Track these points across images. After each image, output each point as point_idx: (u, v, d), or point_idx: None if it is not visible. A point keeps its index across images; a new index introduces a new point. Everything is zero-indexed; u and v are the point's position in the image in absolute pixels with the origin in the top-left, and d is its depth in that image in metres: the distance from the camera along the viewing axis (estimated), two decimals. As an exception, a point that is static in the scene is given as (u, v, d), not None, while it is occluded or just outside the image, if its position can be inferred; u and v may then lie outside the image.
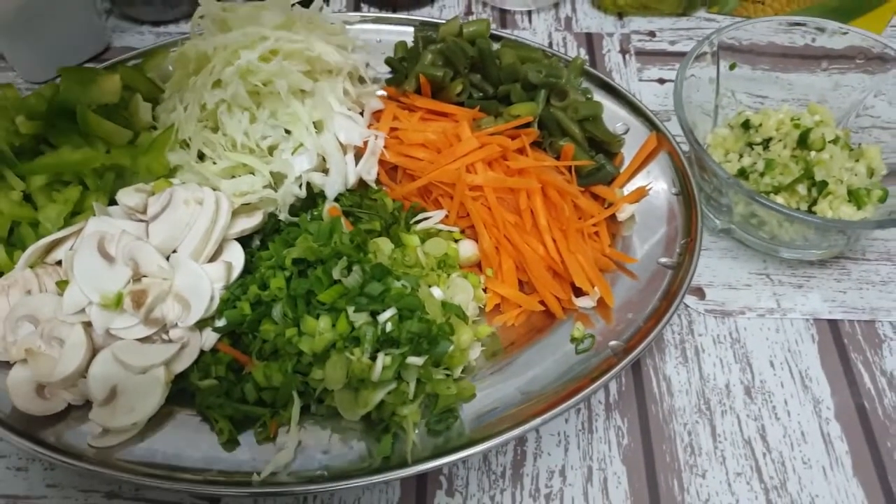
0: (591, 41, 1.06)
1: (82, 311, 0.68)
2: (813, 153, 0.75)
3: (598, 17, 1.09)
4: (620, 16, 1.09)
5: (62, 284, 0.70)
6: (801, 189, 0.76)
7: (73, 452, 0.64)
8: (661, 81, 1.00)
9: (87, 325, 0.68)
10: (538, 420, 0.64)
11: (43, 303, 0.70)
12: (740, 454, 0.69)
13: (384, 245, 0.73)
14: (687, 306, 0.79)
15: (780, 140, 0.79)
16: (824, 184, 0.74)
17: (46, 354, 0.67)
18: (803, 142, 0.76)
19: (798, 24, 0.83)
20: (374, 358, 0.64)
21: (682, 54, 1.04)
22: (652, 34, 1.07)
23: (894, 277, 0.81)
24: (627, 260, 0.76)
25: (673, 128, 0.83)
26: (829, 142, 0.76)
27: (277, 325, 0.67)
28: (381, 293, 0.66)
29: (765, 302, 0.79)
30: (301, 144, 0.78)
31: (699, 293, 0.80)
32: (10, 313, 0.69)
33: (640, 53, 1.04)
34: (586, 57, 1.04)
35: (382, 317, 0.65)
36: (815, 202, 0.75)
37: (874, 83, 0.83)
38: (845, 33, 0.83)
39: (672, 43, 1.06)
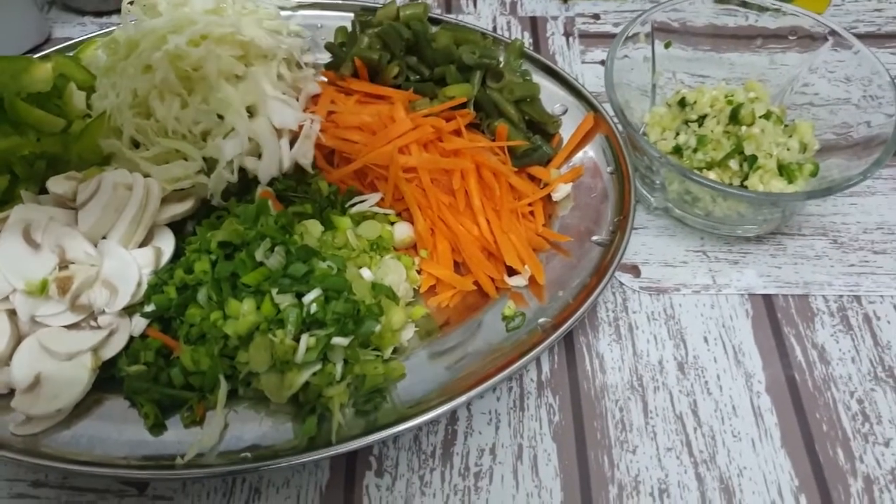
0: (535, 25, 1.06)
1: (6, 298, 0.68)
2: (744, 128, 0.75)
3: (542, 1, 1.09)
4: (566, -1, 1.10)
5: (-15, 272, 0.69)
6: (734, 164, 0.76)
7: (-3, 442, 0.63)
8: (604, 63, 1.00)
9: (12, 313, 0.68)
10: (463, 397, 0.64)
11: (-34, 291, 0.69)
12: (671, 429, 0.69)
13: (313, 227, 0.73)
14: (622, 284, 0.79)
15: (714, 116, 0.79)
16: (754, 158, 0.74)
17: (-32, 343, 0.66)
18: (734, 117, 0.76)
19: (732, 1, 0.83)
20: (298, 339, 0.64)
21: (625, 36, 1.04)
22: (596, 17, 1.07)
23: (828, 252, 0.81)
24: (560, 238, 0.76)
25: (611, 109, 0.83)
26: (761, 117, 0.76)
27: (203, 308, 0.67)
28: (306, 274, 0.65)
29: (700, 278, 0.79)
30: (232, 129, 0.78)
31: (634, 271, 0.80)
32: (-68, 302, 0.68)
33: (584, 36, 1.04)
34: (530, 40, 1.03)
35: (307, 298, 0.64)
36: (746, 177, 0.75)
37: (807, 60, 0.84)
38: (777, 10, 0.83)
39: (616, 25, 1.06)
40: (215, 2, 0.80)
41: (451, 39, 0.84)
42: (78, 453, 0.63)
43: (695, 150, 0.78)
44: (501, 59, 0.86)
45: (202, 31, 0.77)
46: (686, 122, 0.82)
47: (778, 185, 0.74)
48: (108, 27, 1.05)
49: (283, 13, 0.92)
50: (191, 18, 0.77)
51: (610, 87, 0.77)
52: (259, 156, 0.80)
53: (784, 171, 0.75)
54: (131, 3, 0.79)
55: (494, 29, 1.05)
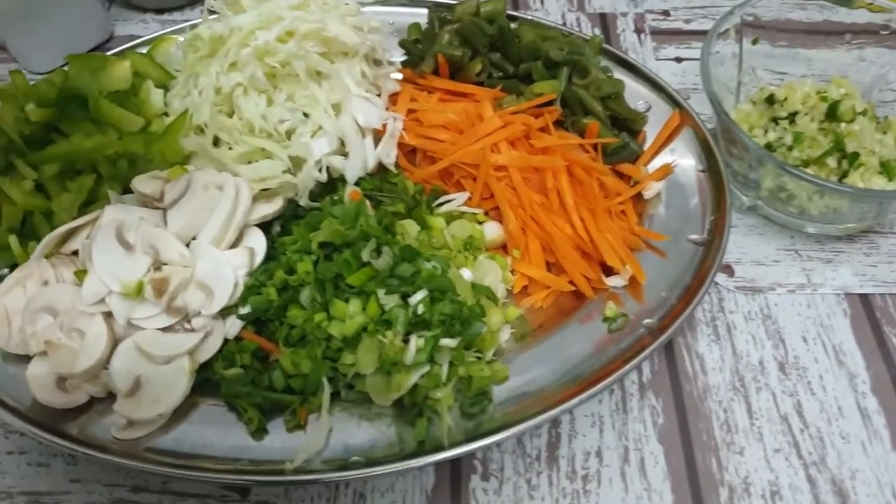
0: (605, 21, 1.05)
1: (102, 301, 0.66)
2: (843, 125, 0.74)
3: (610, -3, 1.08)
4: (634, -5, 1.08)
5: (80, 274, 0.68)
6: (831, 162, 0.75)
7: (98, 445, 0.62)
8: (679, 60, 0.99)
9: (108, 316, 0.67)
10: (574, 401, 0.63)
11: (61, 293, 0.68)
12: (777, 430, 0.68)
13: (410, 227, 0.71)
14: (716, 283, 0.78)
15: (806, 113, 0.78)
16: (856, 155, 0.73)
17: (67, 346, 0.65)
18: (832, 114, 0.75)
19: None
20: (406, 341, 0.63)
21: (697, 32, 1.03)
22: (666, 13, 1.06)
23: (924, 250, 0.80)
24: (658, 238, 0.75)
25: (693, 106, 0.82)
26: (859, 113, 0.75)
27: (305, 309, 0.65)
28: (413, 275, 0.64)
29: (794, 277, 0.78)
30: (320, 127, 0.76)
31: (728, 270, 0.79)
32: (28, 305, 0.67)
33: (656, 33, 1.03)
34: (602, 37, 1.02)
35: (414, 299, 0.63)
36: (845, 175, 0.74)
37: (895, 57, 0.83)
38: (868, 7, 0.82)
39: (687, 21, 1.05)
40: (299, -2, 0.78)
41: (535, 35, 0.83)
42: (178, 458, 0.62)
43: (790, 148, 0.76)
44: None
45: (289, 27, 0.76)
46: (774, 120, 0.81)
47: (879, 183, 0.73)
48: (169, 24, 1.04)
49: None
50: (278, 14, 0.76)
51: (707, 80, 0.76)
52: (344, 155, 0.78)
53: (885, 168, 0.74)
54: (215, -1, 0.78)
55: (563, 25, 1.04)
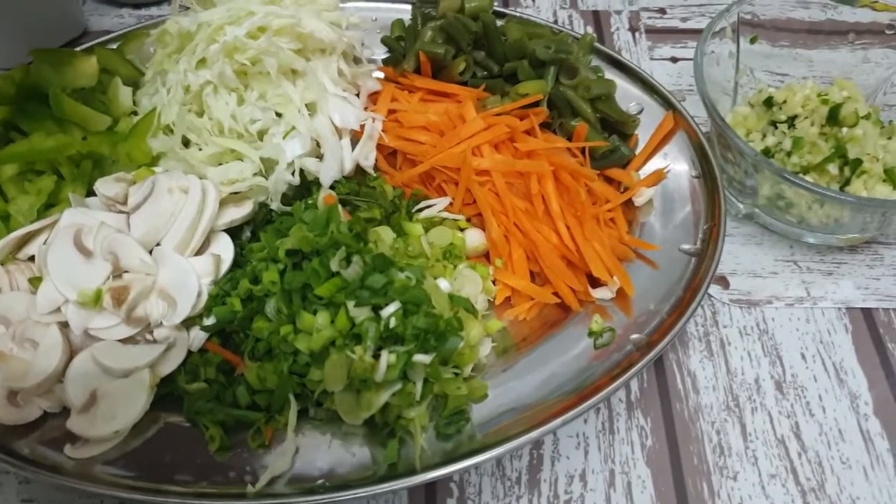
0: (598, 19, 1.01)
1: (58, 310, 0.63)
2: (845, 130, 0.70)
3: (605, -6, 1.04)
4: (629, -8, 1.04)
5: (35, 281, 0.64)
6: (832, 169, 0.71)
7: (50, 465, 0.58)
8: (674, 60, 0.95)
9: (64, 326, 0.63)
10: (557, 421, 0.59)
11: (14, 302, 0.64)
12: (774, 454, 0.64)
13: (385, 234, 0.68)
14: (710, 296, 0.74)
15: (806, 117, 0.74)
16: (858, 162, 0.69)
17: (19, 358, 0.61)
18: (834, 118, 0.71)
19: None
20: (377, 356, 0.59)
21: (694, 31, 0.99)
22: (662, 11, 1.02)
23: (930, 262, 0.76)
24: (648, 247, 0.71)
25: (689, 108, 0.78)
26: (862, 118, 0.71)
27: (271, 322, 0.62)
28: (384, 286, 0.60)
29: (793, 290, 0.74)
30: (293, 128, 0.73)
31: (723, 282, 0.75)
32: (-22, 314, 0.63)
33: (651, 31, 0.99)
34: (594, 35, 0.98)
35: (385, 311, 0.59)
36: (847, 182, 0.70)
37: (904, 56, 0.79)
38: (872, 6, 0.78)
39: (684, 20, 1.01)
40: (273, -9, 0.74)
41: (522, 33, 0.79)
42: (136, 479, 0.59)
43: (789, 154, 0.72)
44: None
45: (260, 22, 0.72)
46: (773, 124, 0.77)
47: (883, 191, 0.69)
48: (146, 19, 1.00)
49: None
50: (249, 9, 0.72)
51: (701, 81, 0.72)
52: (319, 157, 0.75)
53: (889, 175, 0.70)
54: (184, -9, 0.74)
55: (555, 23, 1.00)
